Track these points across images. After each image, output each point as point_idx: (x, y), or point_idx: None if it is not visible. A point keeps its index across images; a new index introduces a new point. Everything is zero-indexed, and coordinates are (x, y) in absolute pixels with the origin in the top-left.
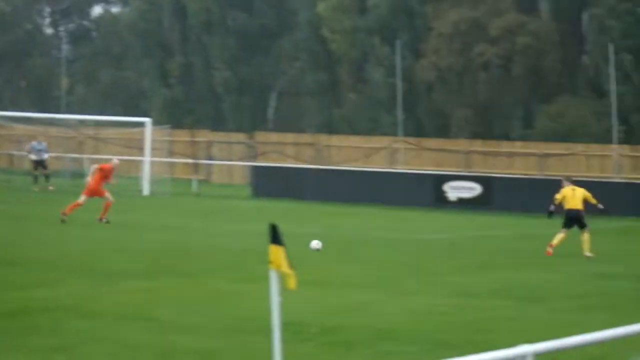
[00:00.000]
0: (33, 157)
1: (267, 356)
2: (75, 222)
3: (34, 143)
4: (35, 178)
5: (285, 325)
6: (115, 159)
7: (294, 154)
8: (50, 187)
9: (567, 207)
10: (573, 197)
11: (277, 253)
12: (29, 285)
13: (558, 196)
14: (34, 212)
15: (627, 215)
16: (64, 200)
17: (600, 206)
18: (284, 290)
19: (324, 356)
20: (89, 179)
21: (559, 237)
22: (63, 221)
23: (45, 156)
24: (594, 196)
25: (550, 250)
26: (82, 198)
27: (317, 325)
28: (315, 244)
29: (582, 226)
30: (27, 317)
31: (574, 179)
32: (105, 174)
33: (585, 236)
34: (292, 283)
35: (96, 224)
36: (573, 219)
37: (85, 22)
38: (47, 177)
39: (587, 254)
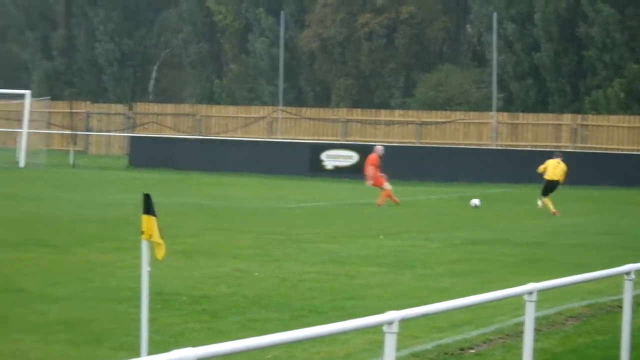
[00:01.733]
0: None
1: (136, 325)
2: None
3: None
4: None
5: (156, 295)
6: (379, 146)
7: (173, 125)
8: None
9: (548, 177)
10: (555, 168)
11: (149, 223)
12: None
13: (542, 167)
14: None
15: (501, 182)
16: None
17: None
18: (155, 259)
19: (192, 324)
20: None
21: (546, 201)
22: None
23: None
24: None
25: (555, 211)
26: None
27: (187, 294)
28: (476, 202)
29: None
30: None
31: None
32: (373, 163)
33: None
34: (160, 253)
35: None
36: (552, 187)
37: None
38: None
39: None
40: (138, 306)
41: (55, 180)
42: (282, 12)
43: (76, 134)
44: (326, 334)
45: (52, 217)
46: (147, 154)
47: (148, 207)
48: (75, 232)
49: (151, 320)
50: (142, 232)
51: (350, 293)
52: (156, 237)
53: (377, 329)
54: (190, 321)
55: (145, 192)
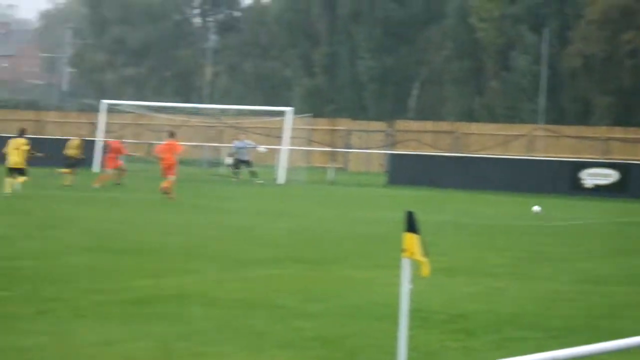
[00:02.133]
0: (236, 157)
1: (392, 343)
2: (213, 209)
3: (236, 142)
4: (236, 172)
5: (414, 312)
6: None
7: (432, 142)
8: (259, 181)
9: None
10: None
11: (411, 241)
12: (159, 273)
13: None
14: (180, 199)
15: None
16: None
17: None
18: (415, 277)
19: (447, 343)
20: None
21: None
22: None
23: (248, 157)
24: None
25: None
26: None
27: (444, 312)
28: (537, 209)
29: None
30: (155, 304)
31: None
32: None
33: None
34: (425, 271)
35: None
36: None
37: (234, 13)
38: (252, 173)
39: None
40: (395, 323)
41: (315, 196)
42: (545, 28)
43: (336, 151)
44: (584, 354)
45: (310, 234)
46: (406, 171)
47: (411, 225)
48: (334, 248)
49: (408, 338)
50: (404, 250)
51: (605, 313)
52: (417, 255)
53: (628, 351)
54: (446, 339)
55: (408, 210)
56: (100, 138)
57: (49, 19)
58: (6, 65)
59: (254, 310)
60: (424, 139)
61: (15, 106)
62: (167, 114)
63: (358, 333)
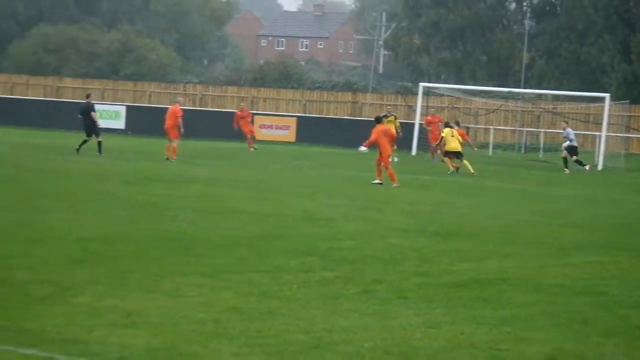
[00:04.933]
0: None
1: None
2: (529, 193)
3: (569, 130)
4: (565, 162)
5: None
6: None
7: None
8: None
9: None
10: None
11: None
12: (479, 257)
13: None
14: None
15: None
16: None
17: None
18: None
19: None
20: None
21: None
22: None
23: (566, 143)
24: None
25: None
26: None
27: None
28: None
29: None
30: (477, 288)
31: None
32: None
33: None
34: None
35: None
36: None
37: None
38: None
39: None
40: None
41: (633, 184)
42: None
43: None
44: None
45: (630, 221)
46: None
47: None
48: None
49: None
50: None
51: None
52: None
53: None
54: None
55: None
56: (417, 120)
57: (364, 1)
58: (322, 46)
59: (577, 297)
60: None
61: (332, 88)
62: (483, 97)
63: None
